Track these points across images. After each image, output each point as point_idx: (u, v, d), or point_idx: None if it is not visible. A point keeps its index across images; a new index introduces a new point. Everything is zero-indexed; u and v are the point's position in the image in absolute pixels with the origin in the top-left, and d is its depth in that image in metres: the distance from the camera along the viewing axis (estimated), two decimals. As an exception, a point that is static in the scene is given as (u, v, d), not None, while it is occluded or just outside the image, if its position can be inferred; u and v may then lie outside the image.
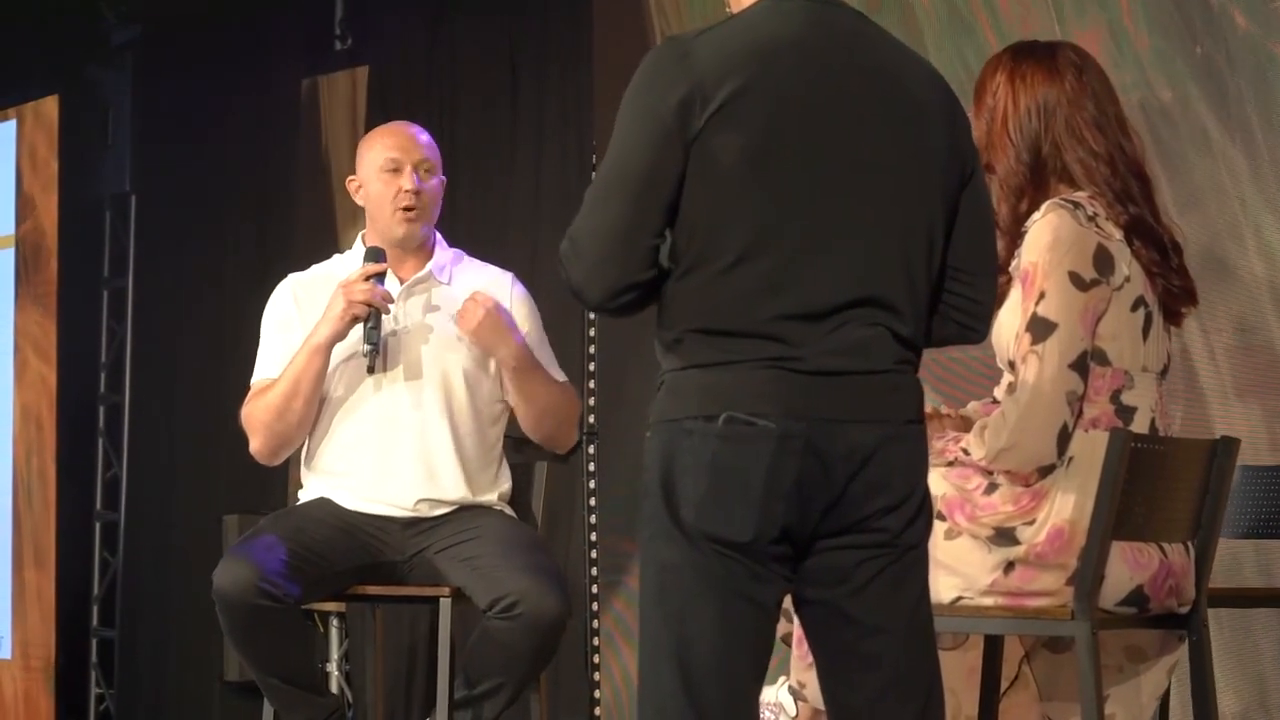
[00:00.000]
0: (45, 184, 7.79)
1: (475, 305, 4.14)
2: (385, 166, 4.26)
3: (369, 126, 6.70)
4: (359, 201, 4.35)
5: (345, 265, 4.32)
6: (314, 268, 4.41)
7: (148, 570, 7.74)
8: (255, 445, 4.24)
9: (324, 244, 6.62)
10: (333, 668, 6.83)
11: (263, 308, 4.37)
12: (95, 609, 7.93)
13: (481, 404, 4.25)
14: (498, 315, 4.15)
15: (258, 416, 4.21)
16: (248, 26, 7.45)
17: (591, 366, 6.27)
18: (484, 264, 4.41)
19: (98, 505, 7.95)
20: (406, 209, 4.24)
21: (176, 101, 7.68)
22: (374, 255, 4.22)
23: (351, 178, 4.36)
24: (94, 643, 7.93)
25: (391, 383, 4.21)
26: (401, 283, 4.25)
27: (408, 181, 4.25)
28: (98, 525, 7.94)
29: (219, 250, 7.58)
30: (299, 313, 4.27)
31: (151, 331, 7.87)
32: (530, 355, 4.22)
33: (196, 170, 7.60)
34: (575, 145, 6.41)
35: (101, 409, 7.99)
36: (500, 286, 4.34)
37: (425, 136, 4.33)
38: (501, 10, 6.68)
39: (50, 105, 7.78)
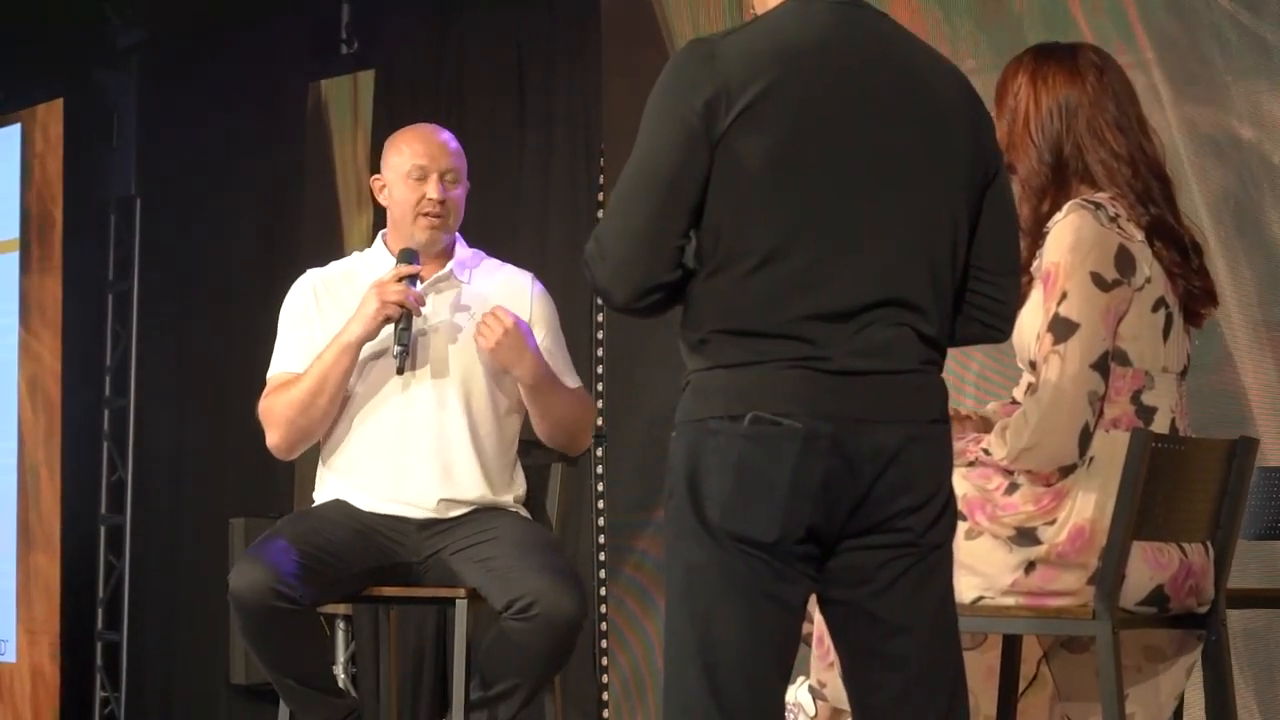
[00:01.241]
0: (50, 187, 7.78)
1: (496, 322, 4.11)
2: (412, 173, 4.24)
3: (375, 130, 6.72)
4: (381, 201, 4.34)
5: (365, 264, 4.32)
6: (333, 264, 4.40)
7: (154, 573, 7.73)
8: (273, 440, 4.23)
9: (329, 247, 6.62)
10: (339, 670, 6.83)
11: (268, 310, 4.37)
12: (100, 612, 7.92)
13: (500, 404, 4.25)
14: (517, 334, 4.12)
15: (279, 411, 4.20)
16: (253, 29, 7.44)
17: (600, 369, 6.27)
18: (502, 263, 4.40)
19: (103, 509, 7.94)
20: (430, 215, 4.24)
21: (182, 105, 7.68)
22: (407, 257, 4.20)
23: (376, 177, 4.35)
24: (99, 646, 7.91)
25: (417, 383, 4.20)
26: (422, 283, 4.24)
27: (434, 191, 4.23)
28: (103, 529, 7.93)
29: (224, 253, 7.57)
30: (319, 308, 4.26)
31: (156, 335, 7.87)
32: (547, 371, 4.20)
33: (202, 173, 7.59)
34: (583, 145, 6.41)
35: (106, 412, 7.98)
36: (520, 286, 4.34)
37: (454, 144, 4.31)
38: (508, 12, 6.68)
39: (55, 108, 7.77)
